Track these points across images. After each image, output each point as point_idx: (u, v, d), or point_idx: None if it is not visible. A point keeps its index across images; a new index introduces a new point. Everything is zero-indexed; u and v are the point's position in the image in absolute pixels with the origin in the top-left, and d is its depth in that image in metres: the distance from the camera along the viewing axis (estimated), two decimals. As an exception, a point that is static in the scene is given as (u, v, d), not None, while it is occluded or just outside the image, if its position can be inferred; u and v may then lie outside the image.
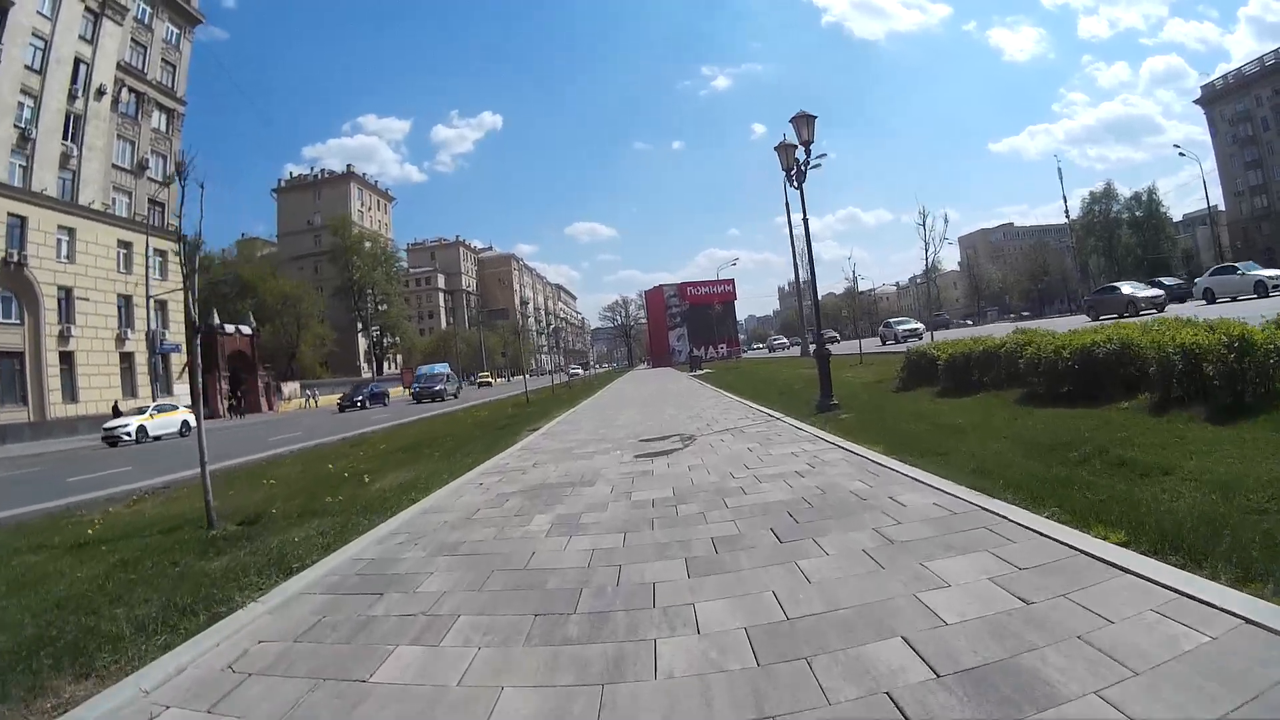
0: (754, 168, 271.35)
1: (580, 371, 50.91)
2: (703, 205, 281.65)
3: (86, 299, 37.73)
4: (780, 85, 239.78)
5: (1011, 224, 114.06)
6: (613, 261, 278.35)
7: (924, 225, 21.00)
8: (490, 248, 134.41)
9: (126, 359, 40.05)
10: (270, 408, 48.13)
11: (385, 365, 76.25)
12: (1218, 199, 75.00)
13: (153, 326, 41.20)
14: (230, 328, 48.42)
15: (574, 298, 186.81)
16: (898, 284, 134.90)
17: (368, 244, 75.41)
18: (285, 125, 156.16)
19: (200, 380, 6.48)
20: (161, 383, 42.45)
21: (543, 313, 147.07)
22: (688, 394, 18.62)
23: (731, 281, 69.35)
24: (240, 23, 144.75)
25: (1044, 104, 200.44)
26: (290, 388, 52.81)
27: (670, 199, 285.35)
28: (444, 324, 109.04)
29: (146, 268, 39.82)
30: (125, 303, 40.16)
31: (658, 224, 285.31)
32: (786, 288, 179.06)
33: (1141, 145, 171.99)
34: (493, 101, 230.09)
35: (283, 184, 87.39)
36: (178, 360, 43.27)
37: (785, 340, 73.77)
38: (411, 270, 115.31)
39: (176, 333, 43.39)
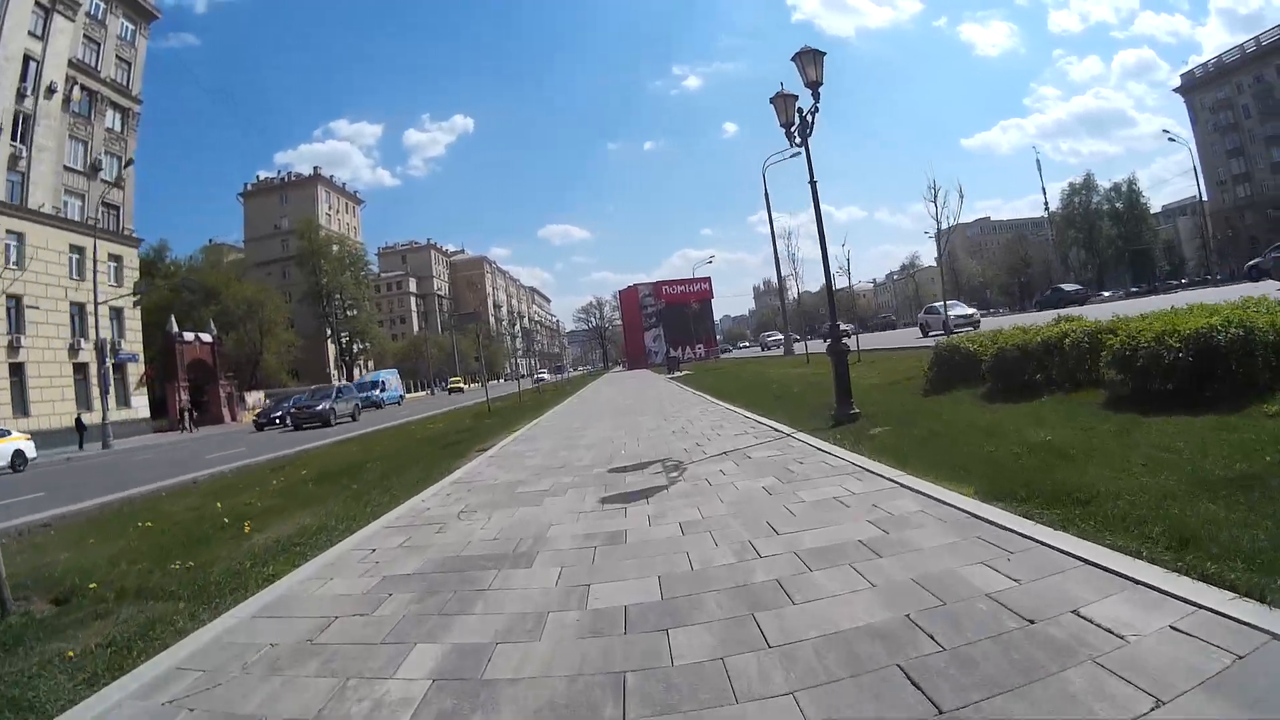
0: (726, 167, 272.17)
1: (547, 376, 48.80)
2: (676, 205, 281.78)
3: (37, 307, 35.91)
4: (751, 83, 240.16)
5: (988, 218, 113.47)
6: (586, 263, 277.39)
7: (935, 203, 19.30)
8: (462, 251, 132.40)
9: (81, 370, 38.16)
10: (233, 418, 46.31)
11: (356, 371, 74.48)
12: (1196, 189, 76.63)
13: (101, 335, 39.54)
14: (190, 335, 46.48)
15: (548, 300, 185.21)
16: (874, 280, 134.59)
17: (335, 247, 72.93)
18: (257, 131, 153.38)
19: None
20: (118, 394, 40.92)
21: (516, 315, 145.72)
22: (669, 400, 16.77)
23: (708, 280, 67.56)
24: (209, 28, 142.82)
25: (1015, 98, 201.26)
26: (254, 397, 50.38)
27: (643, 200, 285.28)
28: (416, 328, 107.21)
29: (94, 273, 38.11)
30: (79, 311, 38.46)
31: (631, 225, 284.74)
32: (762, 286, 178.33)
33: (1114, 138, 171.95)
34: (464, 104, 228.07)
35: (249, 188, 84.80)
36: (134, 371, 41.71)
37: (780, 336, 72.47)
38: (382, 275, 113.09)
39: (133, 341, 41.88)
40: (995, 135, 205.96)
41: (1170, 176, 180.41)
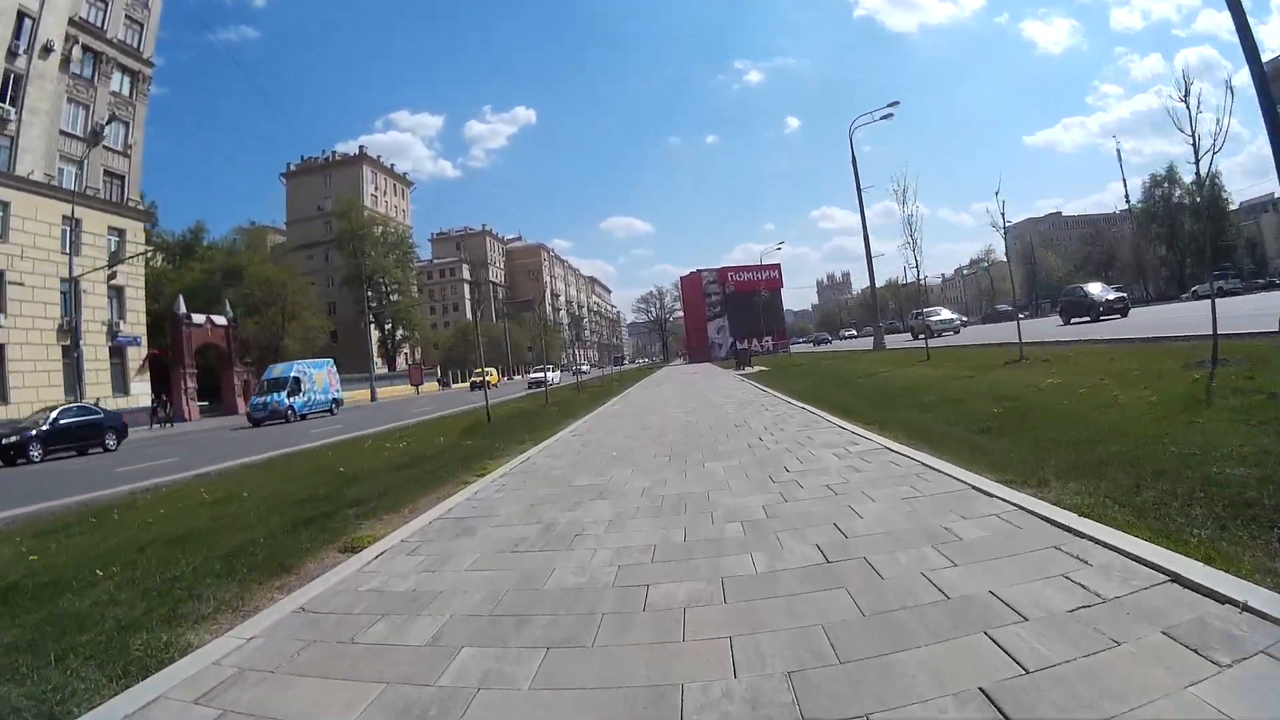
0: (788, 161, 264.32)
1: (587, 369, 41.21)
2: (737, 199, 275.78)
3: (21, 283, 32.43)
4: (812, 79, 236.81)
5: (1059, 213, 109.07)
6: (647, 256, 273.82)
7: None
8: (519, 238, 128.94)
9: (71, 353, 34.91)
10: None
11: (399, 360, 71.05)
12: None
13: (100, 315, 36.04)
14: (200, 317, 42.32)
15: (608, 291, 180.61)
16: (943, 275, 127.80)
17: (379, 228, 69.26)
18: (318, 122, 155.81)
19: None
20: (115, 381, 37.53)
21: (574, 305, 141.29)
22: (757, 416, 9.83)
23: (777, 267, 60.86)
24: (271, 21, 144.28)
25: (1078, 96, 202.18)
26: None
27: (704, 194, 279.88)
28: (469, 316, 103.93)
29: (70, 243, 34.18)
30: (71, 288, 34.98)
31: (692, 219, 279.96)
32: (825, 281, 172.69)
33: (1176, 138, 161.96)
34: (526, 96, 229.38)
35: (291, 168, 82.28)
36: (136, 355, 38.22)
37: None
38: (435, 261, 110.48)
39: (135, 323, 38.40)
40: (1058, 133, 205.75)
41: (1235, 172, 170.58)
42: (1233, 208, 69.68)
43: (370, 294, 69.75)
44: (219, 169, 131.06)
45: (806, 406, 9.96)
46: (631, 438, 9.00)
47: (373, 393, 47.41)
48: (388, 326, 70.31)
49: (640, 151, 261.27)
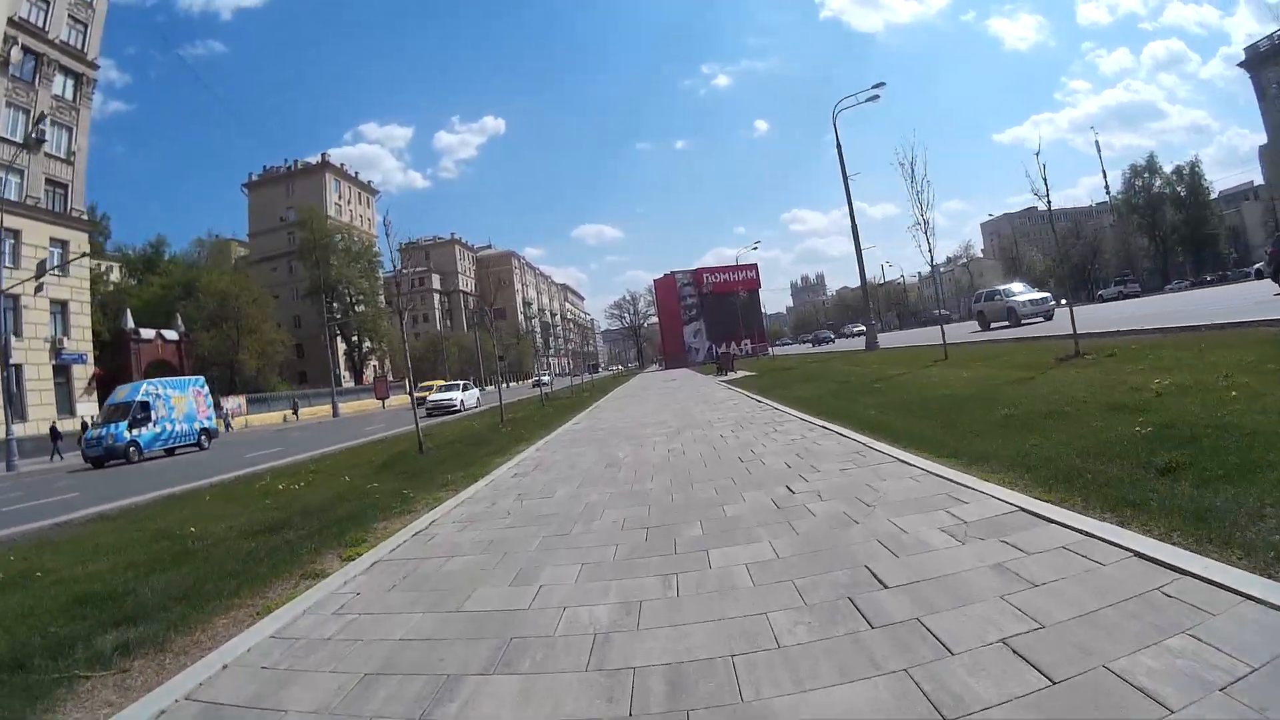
0: (759, 164, 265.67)
1: (548, 380, 36.90)
2: (708, 204, 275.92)
3: (-59, 301, 30.40)
4: (781, 81, 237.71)
5: (1034, 208, 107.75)
6: (620, 263, 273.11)
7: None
8: (489, 246, 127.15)
9: (15, 372, 32.71)
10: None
11: (367, 372, 68.91)
12: (1254, 175, 70.68)
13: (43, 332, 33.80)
14: (150, 333, 39.80)
15: (581, 298, 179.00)
16: (919, 274, 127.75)
17: (340, 237, 67.19)
18: (286, 136, 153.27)
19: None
20: (61, 401, 35.31)
21: (547, 313, 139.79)
22: (767, 440, 7.53)
23: (755, 267, 58.27)
24: (236, 35, 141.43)
25: (1046, 92, 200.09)
26: (232, 403, 43.17)
27: (675, 198, 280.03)
28: (439, 327, 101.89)
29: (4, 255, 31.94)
30: (13, 304, 32.81)
31: (664, 224, 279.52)
32: (799, 283, 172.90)
33: (1145, 131, 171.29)
34: (494, 106, 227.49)
35: (254, 178, 79.89)
36: (82, 373, 35.95)
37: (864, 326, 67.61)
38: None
39: (80, 340, 36.02)
40: (1027, 130, 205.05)
41: (1206, 165, 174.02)
42: (1212, 197, 70.30)
43: (335, 305, 67.71)
44: (186, 185, 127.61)
45: (830, 426, 7.41)
46: (591, 484, 6.31)
47: (334, 408, 45.25)
48: (354, 339, 68.24)
49: (610, 158, 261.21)
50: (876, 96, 25.08)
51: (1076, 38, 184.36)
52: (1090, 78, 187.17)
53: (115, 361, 37.77)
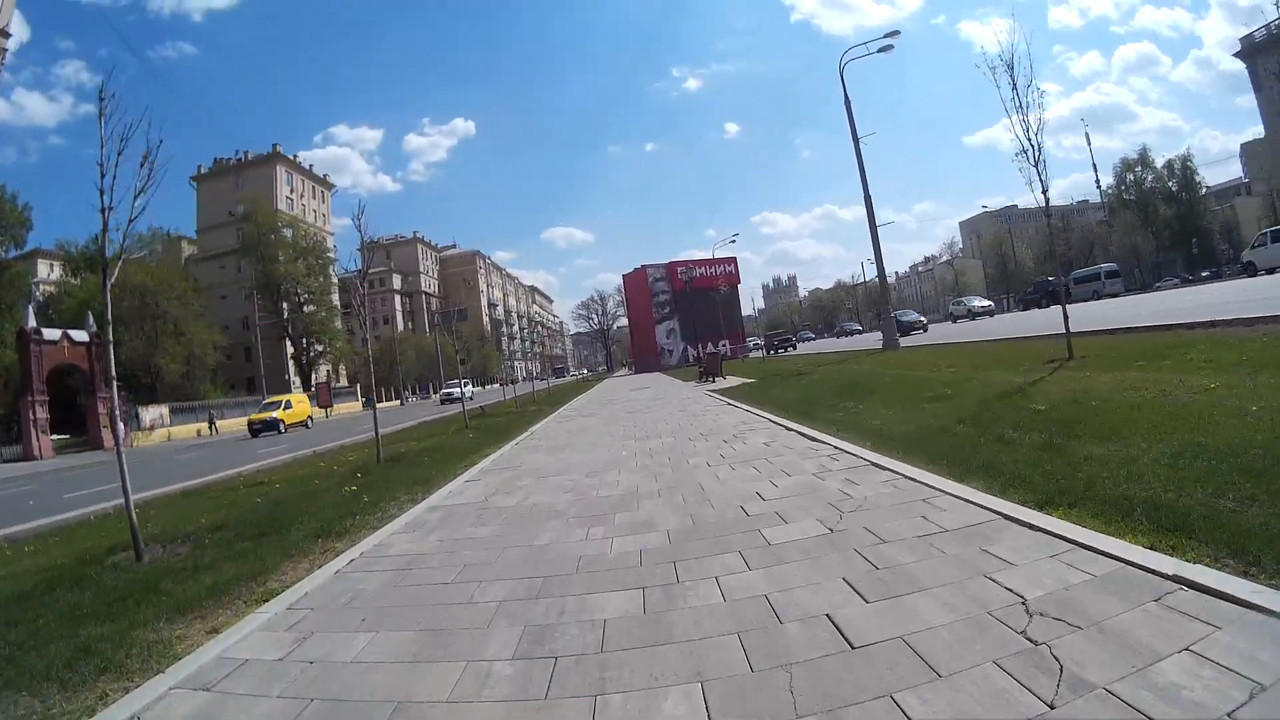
0: (729, 167, 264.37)
1: (468, 393, 30.68)
2: (678, 206, 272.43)
3: None
4: (751, 84, 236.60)
5: (1015, 205, 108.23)
6: (591, 266, 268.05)
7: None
8: (454, 245, 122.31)
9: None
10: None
11: (314, 378, 63.88)
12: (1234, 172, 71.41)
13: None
14: (54, 333, 34.56)
15: (550, 300, 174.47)
16: (896, 273, 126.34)
17: (288, 231, 61.54)
18: (253, 136, 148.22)
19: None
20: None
21: (514, 315, 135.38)
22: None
23: (733, 261, 53.25)
24: (207, 37, 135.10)
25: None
26: (153, 414, 38.47)
27: (645, 201, 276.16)
28: (401, 329, 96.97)
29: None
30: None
31: (635, 227, 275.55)
32: (771, 285, 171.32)
33: (1116, 134, 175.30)
34: (464, 108, 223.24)
35: (202, 170, 74.40)
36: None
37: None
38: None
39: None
40: (998, 132, 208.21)
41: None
42: (1203, 193, 68.23)
43: (285, 305, 62.75)
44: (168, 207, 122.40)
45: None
46: None
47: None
48: (303, 341, 63.20)
49: (580, 161, 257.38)
50: (890, 47, 21.50)
51: (1048, 41, 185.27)
52: (1061, 80, 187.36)
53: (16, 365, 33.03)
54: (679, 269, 51.34)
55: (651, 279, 53.18)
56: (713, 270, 48.33)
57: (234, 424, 40.07)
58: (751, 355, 43.70)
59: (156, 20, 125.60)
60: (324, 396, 47.55)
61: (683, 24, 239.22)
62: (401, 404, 62.02)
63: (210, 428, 34.42)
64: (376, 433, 10.35)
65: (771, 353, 36.08)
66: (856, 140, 22.71)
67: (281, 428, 30.89)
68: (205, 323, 48.44)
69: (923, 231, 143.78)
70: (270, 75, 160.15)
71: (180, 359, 41.37)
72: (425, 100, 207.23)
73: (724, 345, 45.32)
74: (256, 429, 31.07)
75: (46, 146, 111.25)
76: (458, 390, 35.04)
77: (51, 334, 34.23)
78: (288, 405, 33.75)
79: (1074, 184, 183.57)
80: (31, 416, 31.98)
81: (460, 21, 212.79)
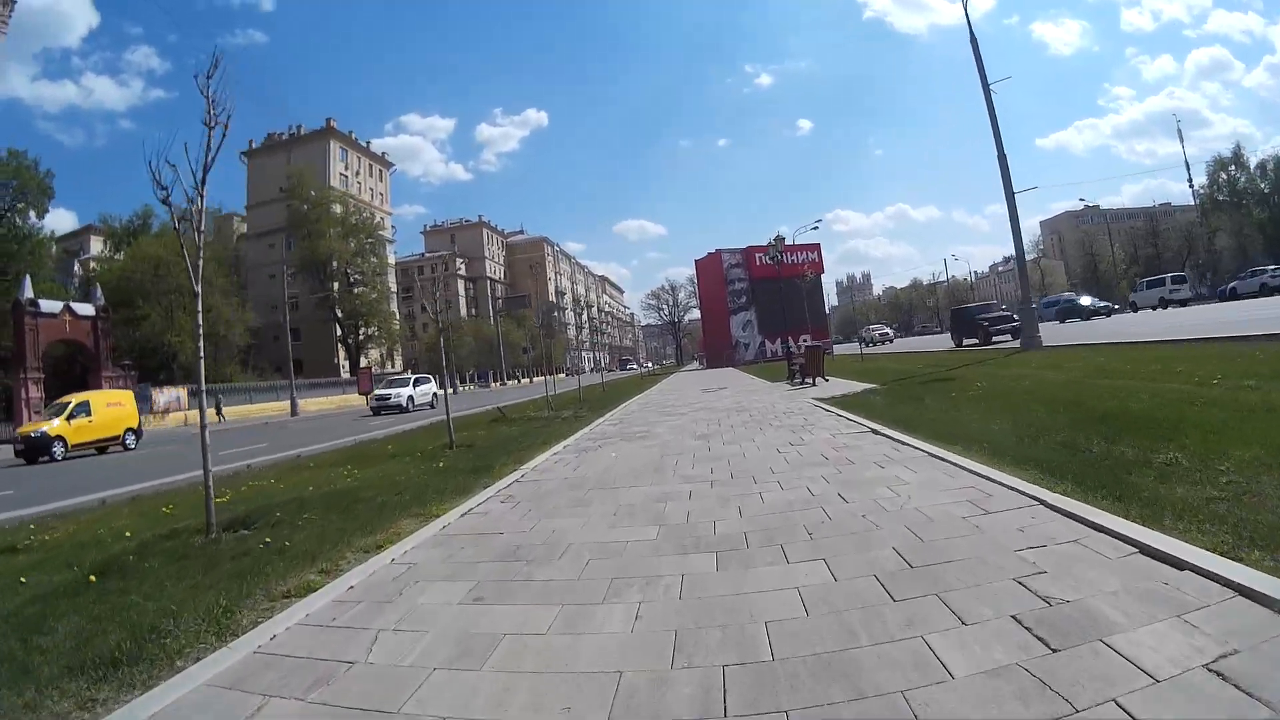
0: (801, 164, 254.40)
1: (394, 396, 27.52)
2: (749, 203, 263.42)
3: None
4: (823, 81, 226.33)
5: (1097, 206, 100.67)
6: (662, 259, 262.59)
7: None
8: (521, 231, 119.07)
9: None
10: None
11: (362, 360, 60.77)
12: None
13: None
14: (54, 305, 31.08)
15: (620, 291, 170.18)
16: (976, 273, 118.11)
17: (337, 207, 58.24)
18: (322, 123, 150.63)
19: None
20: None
21: (582, 305, 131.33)
22: None
23: (817, 248, 46.11)
24: (279, 25, 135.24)
25: (1089, 98, 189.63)
26: (168, 396, 34.91)
27: (716, 196, 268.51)
28: (464, 314, 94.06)
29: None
30: None
31: (704, 222, 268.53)
32: (844, 281, 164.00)
33: (1189, 139, 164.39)
34: (537, 99, 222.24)
35: (253, 146, 72.55)
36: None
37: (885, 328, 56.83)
38: (426, 255, 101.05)
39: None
40: (1070, 135, 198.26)
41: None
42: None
43: (336, 286, 59.77)
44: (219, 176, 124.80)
45: None
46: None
47: (293, 405, 36.11)
48: (350, 324, 60.01)
49: (652, 154, 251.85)
50: None
51: (1120, 43, 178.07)
52: (1134, 84, 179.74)
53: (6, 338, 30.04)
54: (757, 255, 44.83)
55: (727, 265, 46.85)
56: (795, 257, 41.42)
57: (254, 410, 36.51)
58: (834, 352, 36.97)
59: (225, 8, 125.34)
60: (364, 383, 43.53)
61: (754, 20, 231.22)
62: (455, 392, 58.23)
63: (218, 414, 30.62)
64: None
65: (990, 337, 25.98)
66: (986, 87, 17.86)
67: (58, 451, 18.42)
68: (238, 300, 45.09)
69: (995, 235, 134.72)
70: (340, 63, 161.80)
71: (190, 337, 37.99)
72: (498, 90, 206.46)
73: (805, 340, 38.69)
74: (378, 409, 27.68)
75: (115, 130, 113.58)
76: (396, 393, 28.68)
77: (51, 306, 30.85)
78: (80, 411, 19.74)
79: (1146, 189, 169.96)
80: (24, 395, 28.81)
81: (532, 11, 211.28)
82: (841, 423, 7.77)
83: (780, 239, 27.16)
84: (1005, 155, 16.83)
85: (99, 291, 33.14)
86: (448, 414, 10.38)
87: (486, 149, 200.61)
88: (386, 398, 28.18)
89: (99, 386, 31.67)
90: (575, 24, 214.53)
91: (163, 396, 34.59)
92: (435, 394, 29.67)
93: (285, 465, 10.38)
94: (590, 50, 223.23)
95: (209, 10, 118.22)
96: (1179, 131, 55.31)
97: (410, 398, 28.55)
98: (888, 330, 56.70)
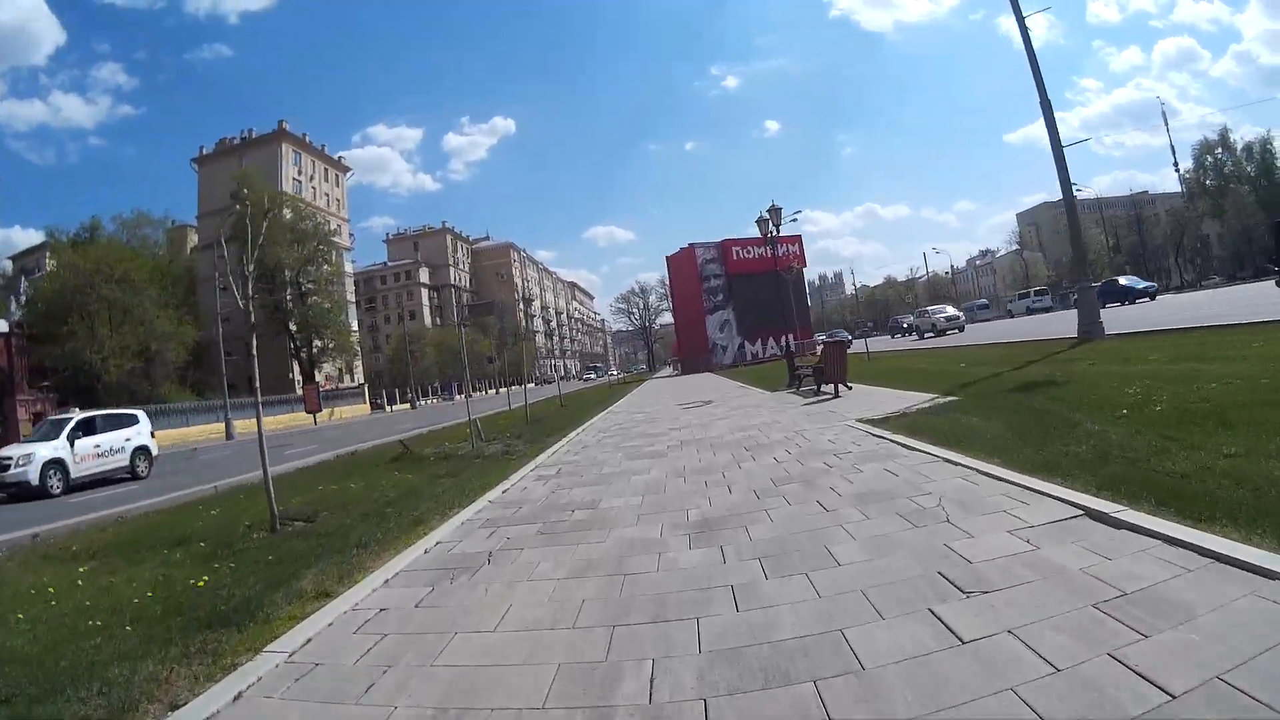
0: (769, 165, 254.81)
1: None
2: (719, 205, 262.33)
3: None
4: (791, 82, 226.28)
5: (1078, 195, 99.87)
6: (633, 264, 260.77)
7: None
8: (486, 237, 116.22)
9: None
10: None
11: (319, 376, 57.36)
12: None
13: None
14: None
15: (590, 297, 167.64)
16: (953, 267, 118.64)
17: (287, 212, 54.23)
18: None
19: None
20: None
21: (551, 311, 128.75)
22: None
23: (798, 239, 43.38)
24: (243, 37, 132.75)
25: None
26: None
27: (686, 200, 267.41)
28: (428, 324, 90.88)
29: None
30: None
31: (676, 226, 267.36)
32: (817, 281, 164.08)
33: (1159, 130, 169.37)
34: (503, 106, 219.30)
35: (204, 153, 68.94)
36: None
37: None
38: (389, 264, 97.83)
39: None
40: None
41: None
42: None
43: (286, 296, 56.48)
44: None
45: None
46: None
47: (228, 429, 32.90)
48: (303, 337, 56.61)
49: (620, 160, 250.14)
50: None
51: (1087, 36, 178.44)
52: (1101, 76, 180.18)
53: None
54: (733, 248, 42.74)
55: (701, 260, 44.09)
56: (778, 250, 39.05)
57: (191, 433, 33.26)
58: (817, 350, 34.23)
59: (193, 23, 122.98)
60: (311, 401, 40.42)
61: (720, 21, 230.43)
62: (412, 407, 55.21)
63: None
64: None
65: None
66: (1024, 29, 16.36)
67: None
68: (177, 315, 41.46)
69: (964, 231, 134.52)
70: (305, 75, 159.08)
71: (128, 354, 34.60)
72: (464, 98, 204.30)
73: (788, 339, 36.65)
74: None
75: (86, 148, 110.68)
76: (22, 457, 14.31)
77: (-49, 323, 27.65)
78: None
79: (1115, 180, 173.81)
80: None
81: (499, 18, 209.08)
82: (992, 489, 4.17)
83: (777, 209, 24.67)
84: (1049, 102, 15.88)
85: (14, 307, 29.93)
86: (266, 473, 6.35)
87: (454, 158, 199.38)
88: (5, 466, 14.19)
89: (15, 411, 28.42)
90: (541, 32, 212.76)
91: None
92: (147, 449, 16.90)
93: None
94: (556, 58, 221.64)
95: (178, 26, 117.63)
96: (1163, 115, 55.22)
97: (55, 465, 14.41)
98: (958, 314, 39.81)
